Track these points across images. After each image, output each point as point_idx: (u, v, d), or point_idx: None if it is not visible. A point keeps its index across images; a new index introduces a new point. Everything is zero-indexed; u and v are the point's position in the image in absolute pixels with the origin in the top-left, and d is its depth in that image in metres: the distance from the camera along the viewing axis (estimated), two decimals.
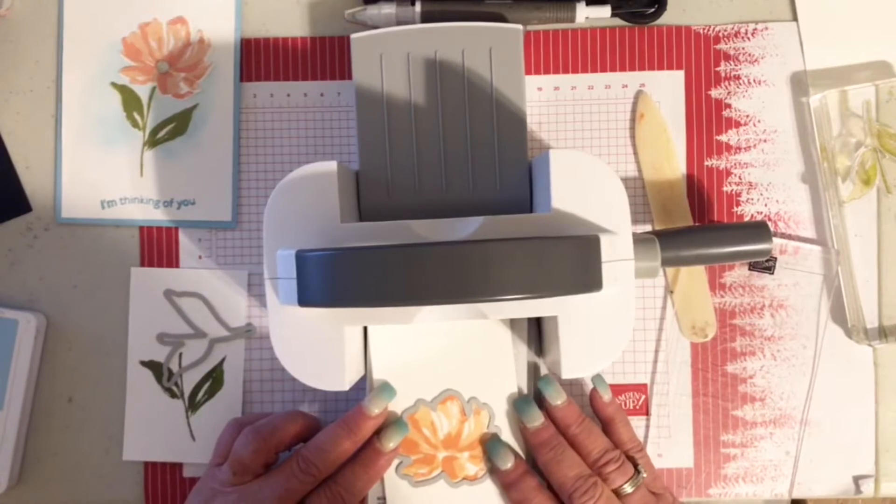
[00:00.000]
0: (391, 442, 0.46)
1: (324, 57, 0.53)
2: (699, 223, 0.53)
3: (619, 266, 0.42)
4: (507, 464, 0.46)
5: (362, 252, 0.38)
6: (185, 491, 0.53)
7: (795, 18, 0.53)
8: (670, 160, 0.53)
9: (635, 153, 0.53)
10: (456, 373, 0.48)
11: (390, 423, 0.46)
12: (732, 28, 0.53)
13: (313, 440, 0.46)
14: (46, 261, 0.53)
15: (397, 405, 0.47)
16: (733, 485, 0.52)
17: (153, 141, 0.53)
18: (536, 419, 0.47)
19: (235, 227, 0.53)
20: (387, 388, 0.47)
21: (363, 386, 0.48)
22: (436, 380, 0.48)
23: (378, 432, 0.46)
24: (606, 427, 0.49)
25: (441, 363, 0.48)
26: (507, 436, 0.48)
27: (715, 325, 0.52)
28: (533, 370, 0.49)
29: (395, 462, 0.47)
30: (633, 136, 0.53)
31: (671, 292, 0.53)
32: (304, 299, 0.40)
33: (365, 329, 0.48)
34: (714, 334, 0.52)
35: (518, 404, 0.47)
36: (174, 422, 0.53)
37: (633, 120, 0.53)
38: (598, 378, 0.49)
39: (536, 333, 0.49)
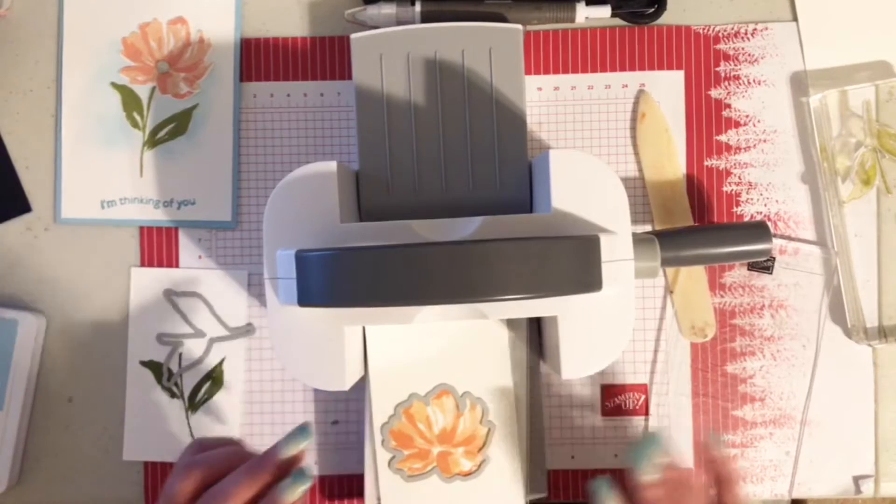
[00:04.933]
0: (293, 495, 0.40)
1: (324, 57, 0.53)
2: (699, 223, 0.53)
3: (619, 266, 0.42)
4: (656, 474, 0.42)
5: (362, 252, 0.38)
6: None
7: (795, 18, 0.53)
8: (671, 160, 0.52)
9: (635, 153, 0.53)
10: (450, 367, 0.48)
11: (293, 474, 0.40)
12: (732, 28, 0.53)
13: (220, 485, 0.40)
14: (46, 261, 0.53)
15: (391, 399, 0.47)
16: None
17: (153, 141, 0.53)
18: (649, 473, 0.41)
19: (235, 227, 0.53)
20: (304, 431, 0.42)
21: (363, 386, 0.48)
22: (430, 374, 0.48)
23: (280, 481, 0.40)
24: (717, 488, 0.44)
25: (435, 358, 0.48)
26: (500, 432, 0.47)
27: (714, 325, 0.52)
28: (529, 367, 0.49)
29: (389, 456, 0.47)
30: (633, 136, 0.53)
31: (671, 292, 0.53)
32: (304, 299, 0.40)
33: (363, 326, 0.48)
34: (714, 334, 0.52)
35: (635, 452, 0.42)
36: (174, 422, 0.53)
37: (633, 120, 0.53)
38: (714, 436, 0.47)
39: (537, 334, 0.49)
